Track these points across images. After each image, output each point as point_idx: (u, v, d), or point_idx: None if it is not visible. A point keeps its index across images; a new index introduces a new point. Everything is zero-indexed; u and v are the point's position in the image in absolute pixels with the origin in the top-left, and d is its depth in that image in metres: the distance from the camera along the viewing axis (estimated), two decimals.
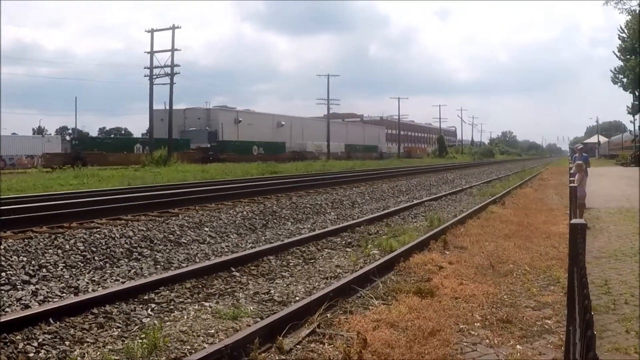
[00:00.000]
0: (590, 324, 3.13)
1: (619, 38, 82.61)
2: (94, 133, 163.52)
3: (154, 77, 77.76)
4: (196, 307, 10.98)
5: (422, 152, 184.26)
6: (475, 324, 9.75)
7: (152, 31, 77.84)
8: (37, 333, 9.08)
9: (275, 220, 22.98)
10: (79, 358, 8.06)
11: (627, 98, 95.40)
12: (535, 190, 40.94)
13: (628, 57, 79.74)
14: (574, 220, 6.87)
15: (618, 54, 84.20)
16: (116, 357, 8.17)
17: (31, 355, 8.35)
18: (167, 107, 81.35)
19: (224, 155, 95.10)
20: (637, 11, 69.47)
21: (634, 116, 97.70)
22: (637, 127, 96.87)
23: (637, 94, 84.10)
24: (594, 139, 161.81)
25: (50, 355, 8.37)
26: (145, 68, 78.50)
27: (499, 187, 43.02)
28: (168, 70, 77.31)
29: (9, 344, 8.65)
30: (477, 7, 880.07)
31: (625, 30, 79.26)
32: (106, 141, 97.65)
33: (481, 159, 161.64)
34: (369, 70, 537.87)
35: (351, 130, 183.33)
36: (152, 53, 77.99)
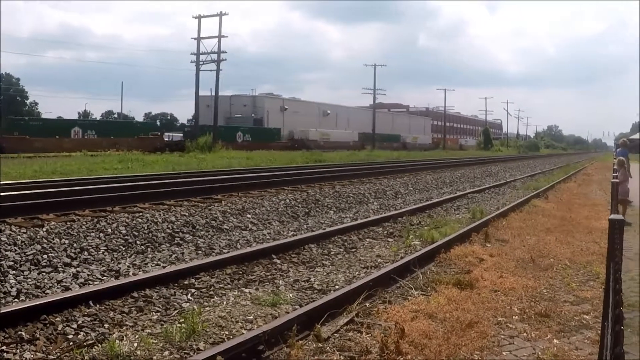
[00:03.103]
0: (620, 319, 3.11)
1: None
2: (139, 118, 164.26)
3: (201, 63, 77.91)
4: (236, 293, 11.02)
5: (453, 142, 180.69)
6: (514, 317, 9.71)
7: (199, 17, 77.96)
8: (77, 315, 9.16)
9: (317, 209, 23.01)
10: (117, 341, 8.10)
11: None
12: (579, 185, 40.73)
13: None
14: (612, 216, 6.83)
15: None
16: (155, 341, 8.22)
17: (70, 336, 8.41)
18: (214, 94, 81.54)
19: (193, 142, 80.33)
20: None
21: None
22: None
23: None
24: (638, 135, 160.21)
25: (89, 337, 8.43)
26: (192, 54, 78.61)
27: (543, 181, 42.81)
28: (215, 57, 77.40)
29: (48, 325, 8.72)
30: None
31: None
32: (33, 123, 79.73)
33: (526, 153, 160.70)
34: (416, 60, 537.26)
35: (397, 120, 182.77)
36: (199, 39, 78.15)
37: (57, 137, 70.57)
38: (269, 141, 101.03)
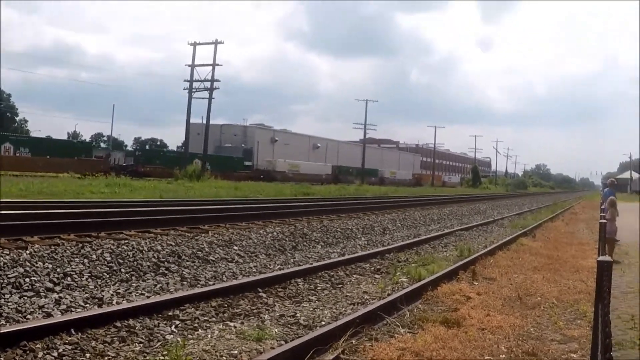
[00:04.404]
0: None
1: None
2: (129, 142, 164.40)
3: (194, 90, 78.15)
4: (221, 326, 10.90)
5: (437, 179, 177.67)
6: (501, 355, 9.67)
7: (194, 44, 78.41)
8: (58, 343, 9.00)
9: (305, 243, 22.91)
10: None
11: None
12: (566, 224, 40.95)
13: None
14: (600, 257, 6.80)
15: None
16: None
17: None
18: (205, 121, 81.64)
19: (146, 169, 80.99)
20: None
21: None
22: None
23: None
24: (627, 175, 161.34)
25: None
26: (185, 81, 79.10)
27: (531, 219, 43.05)
28: (208, 84, 77.81)
29: (28, 352, 8.58)
30: (518, 38, 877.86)
31: None
32: None
33: (514, 191, 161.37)
34: (408, 96, 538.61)
35: (386, 156, 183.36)
36: (192, 66, 78.52)
37: None
38: (230, 170, 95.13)
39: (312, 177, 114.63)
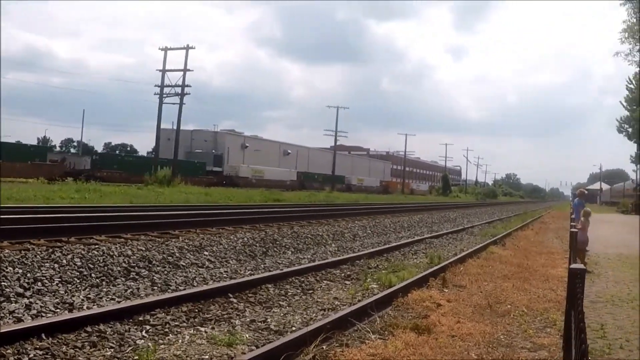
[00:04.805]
0: None
1: (627, 89, 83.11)
2: (99, 148, 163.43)
3: (164, 95, 77.83)
4: (191, 331, 10.89)
5: (405, 187, 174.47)
6: None
7: (165, 49, 78.01)
8: (29, 348, 8.97)
9: (275, 249, 22.90)
10: None
11: (631, 147, 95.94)
12: (536, 233, 41.06)
13: (634, 107, 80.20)
14: (573, 265, 6.87)
15: (625, 104, 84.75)
16: None
17: None
18: (175, 127, 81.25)
19: (103, 173, 76.72)
20: None
21: (637, 165, 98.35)
22: (639, 176, 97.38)
23: None
24: (596, 186, 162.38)
25: None
26: (156, 86, 78.60)
27: (500, 228, 43.12)
28: (179, 89, 77.41)
29: None
30: (490, 47, 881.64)
31: (633, 82, 79.72)
32: None
33: (484, 200, 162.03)
34: (379, 104, 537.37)
35: (357, 163, 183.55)
36: (164, 71, 78.14)
37: None
38: (192, 175, 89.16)
39: (276, 183, 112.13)
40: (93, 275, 14.93)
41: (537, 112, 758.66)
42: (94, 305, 12.37)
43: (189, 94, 78.59)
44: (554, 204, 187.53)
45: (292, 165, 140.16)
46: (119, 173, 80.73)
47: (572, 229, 14.49)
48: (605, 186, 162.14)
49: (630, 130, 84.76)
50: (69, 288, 13.63)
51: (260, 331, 11.30)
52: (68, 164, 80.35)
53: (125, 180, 71.53)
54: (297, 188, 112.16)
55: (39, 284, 13.40)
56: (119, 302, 12.77)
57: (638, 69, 74.51)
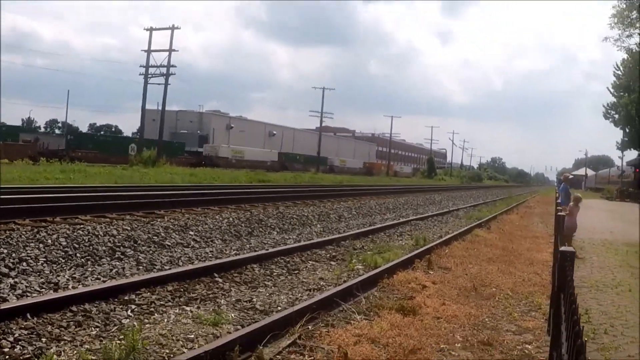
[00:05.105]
0: (582, 350, 3.05)
1: (614, 75, 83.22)
2: (84, 128, 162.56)
3: (150, 76, 77.49)
4: (177, 310, 10.89)
5: (386, 168, 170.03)
6: (456, 344, 9.75)
7: (150, 29, 77.56)
8: (14, 328, 8.94)
9: (261, 229, 22.89)
10: (55, 356, 7.92)
11: (617, 134, 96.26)
12: (521, 217, 41.17)
13: (621, 94, 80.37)
14: (563, 248, 6.84)
15: (612, 90, 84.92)
16: (93, 357, 8.06)
17: (6, 350, 8.21)
18: (160, 108, 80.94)
19: (77, 153, 73.19)
20: (635, 50, 69.89)
21: (622, 152, 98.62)
22: (624, 163, 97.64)
23: (627, 130, 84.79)
24: (581, 172, 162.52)
25: (25, 351, 8.23)
26: (141, 67, 78.24)
27: (486, 211, 43.20)
28: (164, 70, 77.03)
29: None
30: (477, 30, 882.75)
31: (621, 68, 79.84)
32: None
33: (469, 183, 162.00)
34: (365, 86, 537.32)
35: (342, 144, 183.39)
36: (149, 52, 77.72)
37: None
38: (171, 156, 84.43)
39: (256, 163, 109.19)
40: (78, 255, 14.89)
41: (523, 97, 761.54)
42: (79, 284, 12.34)
43: (174, 74, 78.38)
44: (539, 188, 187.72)
45: (278, 146, 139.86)
46: (94, 153, 78.12)
47: (559, 214, 14.47)
48: (590, 172, 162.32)
49: (616, 116, 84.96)
50: (54, 268, 13.59)
51: (245, 311, 11.32)
52: (41, 144, 78.92)
53: (100, 161, 70.40)
54: (278, 169, 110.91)
55: (24, 263, 13.35)
56: (104, 281, 12.75)
57: (626, 54, 74.65)
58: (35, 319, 9.43)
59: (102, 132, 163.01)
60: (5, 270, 12.62)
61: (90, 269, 13.86)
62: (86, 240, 16.03)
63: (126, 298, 11.31)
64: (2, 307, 9.53)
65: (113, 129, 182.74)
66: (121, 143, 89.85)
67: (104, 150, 79.85)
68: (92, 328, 9.48)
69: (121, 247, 16.32)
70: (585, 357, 2.95)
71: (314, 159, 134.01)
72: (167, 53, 77.12)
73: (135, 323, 9.63)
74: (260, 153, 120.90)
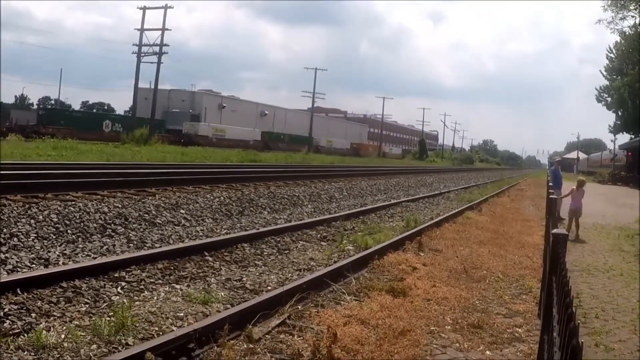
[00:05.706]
0: (575, 333, 3.05)
1: (607, 58, 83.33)
2: (76, 106, 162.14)
3: (142, 55, 77.38)
4: (167, 288, 10.89)
5: (374, 149, 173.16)
6: (446, 326, 9.76)
7: (144, 8, 77.56)
8: (4, 303, 8.94)
9: (251, 208, 22.89)
10: (44, 331, 7.92)
11: (610, 117, 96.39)
12: (512, 200, 41.14)
13: (614, 77, 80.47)
14: (555, 230, 6.84)
15: (605, 73, 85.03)
16: (82, 333, 8.06)
17: None
18: (153, 86, 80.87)
19: (48, 129, 70.97)
20: (628, 33, 69.97)
21: (614, 135, 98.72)
22: (617, 146, 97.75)
23: (619, 113, 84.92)
24: (573, 155, 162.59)
25: (15, 326, 8.22)
26: (133, 45, 78.42)
27: (477, 194, 43.14)
28: (156, 49, 77.16)
29: None
30: (470, 13, 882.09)
31: (614, 51, 79.96)
32: None
33: (460, 165, 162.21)
34: (357, 67, 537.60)
35: (334, 125, 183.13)
36: (142, 30, 77.82)
37: None
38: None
39: (238, 142, 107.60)
40: (69, 231, 14.90)
41: (515, 80, 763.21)
42: (69, 261, 12.35)
43: (167, 53, 78.50)
44: (531, 171, 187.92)
45: (270, 126, 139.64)
46: (66, 129, 74.09)
47: (551, 197, 14.47)
48: (582, 155, 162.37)
49: (609, 99, 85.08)
50: (45, 244, 13.60)
51: (235, 290, 11.31)
52: (10, 120, 77.32)
53: (72, 136, 66.77)
54: (262, 148, 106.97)
55: (15, 239, 13.36)
56: (94, 258, 12.75)
57: (619, 37, 74.72)
58: (25, 294, 9.42)
59: (95, 110, 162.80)
60: None
61: (81, 246, 13.86)
62: (77, 217, 16.04)
63: (116, 275, 11.30)
64: None
65: (105, 107, 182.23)
66: (95, 119, 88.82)
67: (77, 126, 77.21)
68: (82, 304, 9.47)
69: (112, 225, 16.31)
70: (578, 340, 2.95)
71: (300, 138, 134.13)
72: (160, 32, 77.03)
73: (125, 300, 9.66)
74: (242, 132, 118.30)
